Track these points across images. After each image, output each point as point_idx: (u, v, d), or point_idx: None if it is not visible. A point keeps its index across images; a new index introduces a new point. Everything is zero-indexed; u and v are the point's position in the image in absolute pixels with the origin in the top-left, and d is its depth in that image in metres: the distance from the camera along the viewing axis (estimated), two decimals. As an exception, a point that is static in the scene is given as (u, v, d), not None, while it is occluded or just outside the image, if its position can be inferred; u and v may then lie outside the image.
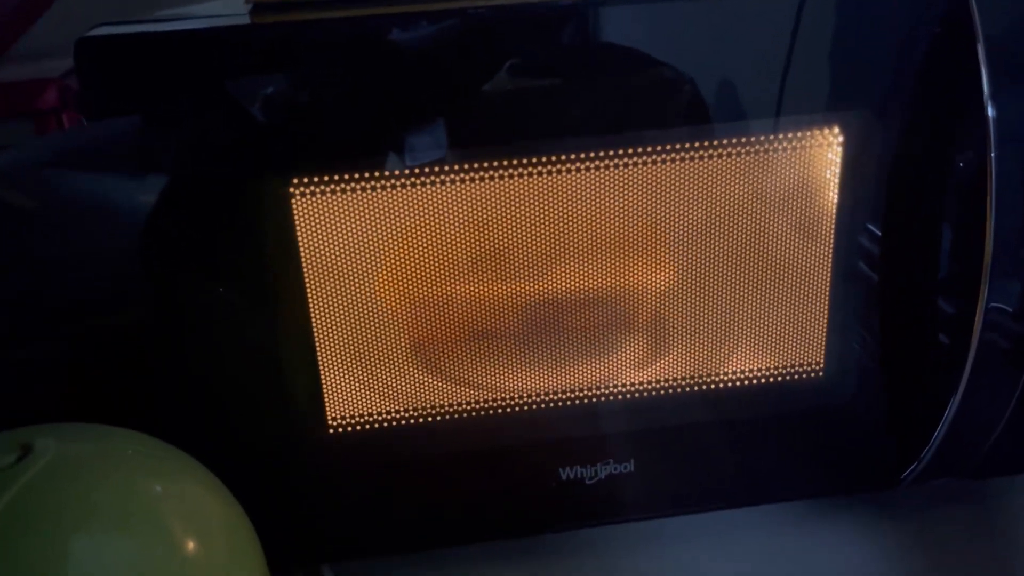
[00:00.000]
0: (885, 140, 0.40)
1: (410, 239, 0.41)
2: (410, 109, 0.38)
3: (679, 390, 0.45)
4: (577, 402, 0.44)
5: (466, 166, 0.39)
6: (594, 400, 0.44)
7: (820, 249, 0.43)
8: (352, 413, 0.43)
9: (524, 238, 0.41)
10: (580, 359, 0.44)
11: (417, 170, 0.39)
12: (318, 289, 0.41)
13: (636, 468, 0.45)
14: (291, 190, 0.39)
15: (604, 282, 0.43)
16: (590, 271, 0.42)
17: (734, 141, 0.40)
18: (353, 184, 0.39)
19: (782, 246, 0.43)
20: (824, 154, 0.41)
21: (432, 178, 0.39)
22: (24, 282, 0.44)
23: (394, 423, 0.44)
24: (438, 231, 0.41)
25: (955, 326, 0.42)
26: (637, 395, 0.44)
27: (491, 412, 0.44)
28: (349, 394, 0.43)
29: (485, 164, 0.39)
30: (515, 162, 0.39)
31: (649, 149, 0.40)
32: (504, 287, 0.43)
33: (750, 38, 0.38)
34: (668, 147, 0.40)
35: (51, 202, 0.45)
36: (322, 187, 0.39)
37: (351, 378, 0.43)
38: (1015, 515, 0.50)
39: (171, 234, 0.38)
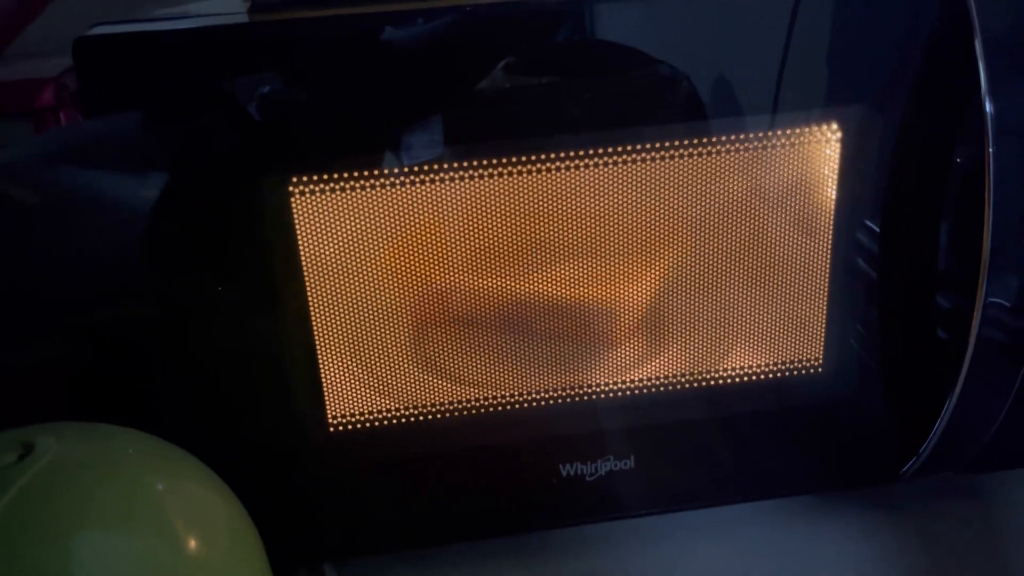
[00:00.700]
0: (883, 136, 0.40)
1: (409, 237, 0.41)
2: (408, 107, 0.38)
3: (679, 386, 0.45)
4: (577, 399, 0.44)
5: (464, 164, 0.39)
6: (594, 397, 0.44)
7: (819, 245, 0.43)
8: (352, 411, 0.43)
9: (522, 235, 0.41)
10: (579, 356, 0.45)
11: (416, 168, 0.39)
12: (318, 287, 0.41)
13: (636, 464, 0.45)
14: (290, 188, 0.39)
15: (603, 279, 0.43)
16: (589, 268, 0.42)
17: (732, 138, 0.40)
18: (352, 182, 0.39)
19: (781, 242, 0.43)
20: (822, 150, 0.41)
21: (431, 176, 0.39)
22: (24, 280, 0.44)
23: (395, 421, 0.44)
24: (437, 229, 0.41)
25: (954, 321, 0.42)
26: (636, 391, 0.45)
27: (491, 410, 0.44)
28: (349, 392, 0.43)
29: (483, 161, 0.39)
30: (513, 159, 0.39)
31: (647, 146, 0.40)
32: (503, 284, 0.43)
33: (747, 34, 0.38)
34: (666, 144, 0.40)
35: (50, 200, 0.44)
36: (321, 185, 0.39)
37: (351, 376, 0.43)
38: (1014, 509, 0.50)
39: (170, 232, 0.38)
